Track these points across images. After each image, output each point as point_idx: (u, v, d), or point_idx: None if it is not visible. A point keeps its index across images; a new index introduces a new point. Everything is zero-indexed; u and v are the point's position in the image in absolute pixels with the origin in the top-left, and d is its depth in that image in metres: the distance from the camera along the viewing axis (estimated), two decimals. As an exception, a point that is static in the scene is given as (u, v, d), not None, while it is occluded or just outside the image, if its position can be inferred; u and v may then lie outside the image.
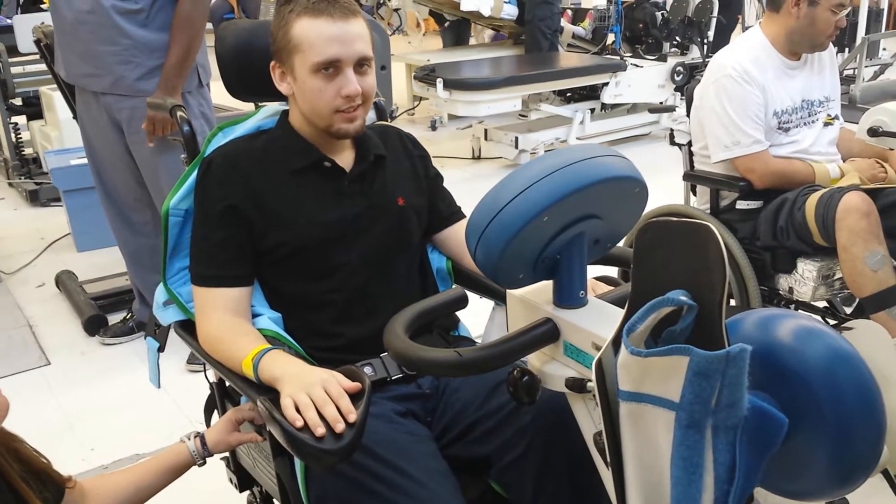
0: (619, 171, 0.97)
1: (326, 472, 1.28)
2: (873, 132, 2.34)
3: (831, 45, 2.49)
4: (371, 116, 1.75)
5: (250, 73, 1.56)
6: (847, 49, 6.47)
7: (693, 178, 2.62)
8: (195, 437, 1.43)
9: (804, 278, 2.31)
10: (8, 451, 1.14)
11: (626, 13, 6.55)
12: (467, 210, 1.07)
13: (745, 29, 6.50)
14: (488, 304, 1.66)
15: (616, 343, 0.85)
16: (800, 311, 2.40)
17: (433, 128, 6.15)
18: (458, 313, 1.63)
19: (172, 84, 2.62)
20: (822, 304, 2.52)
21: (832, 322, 2.40)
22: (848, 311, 2.59)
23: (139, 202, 2.91)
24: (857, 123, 2.41)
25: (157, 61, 2.63)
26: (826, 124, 2.49)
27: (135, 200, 2.91)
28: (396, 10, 7.47)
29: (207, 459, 1.44)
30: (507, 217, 0.93)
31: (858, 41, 6.03)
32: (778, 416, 0.80)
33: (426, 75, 5.27)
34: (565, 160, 0.95)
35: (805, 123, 2.45)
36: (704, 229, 0.79)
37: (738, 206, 2.46)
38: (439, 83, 5.07)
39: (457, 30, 7.77)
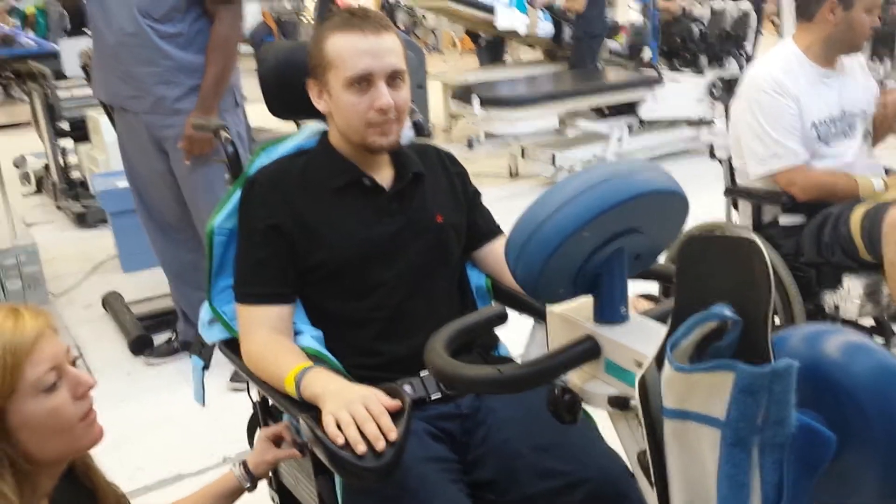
0: (660, 184, 0.96)
1: (366, 491, 1.28)
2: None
3: (860, 54, 2.47)
4: (409, 135, 1.77)
5: (291, 92, 1.59)
6: (889, 59, 6.35)
7: (734, 192, 2.59)
8: (240, 463, 1.46)
9: (850, 295, 2.27)
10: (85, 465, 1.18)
11: (664, 28, 6.53)
12: (505, 228, 1.07)
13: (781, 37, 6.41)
14: (528, 322, 1.65)
15: (659, 359, 0.84)
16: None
17: (470, 146, 6.17)
18: (498, 332, 1.62)
19: (209, 104, 2.68)
20: (869, 321, 2.47)
21: (880, 340, 2.35)
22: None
23: (181, 221, 2.96)
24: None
25: (196, 81, 2.68)
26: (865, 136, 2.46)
27: (176, 220, 2.96)
28: (433, 30, 7.53)
29: (258, 484, 1.46)
30: (547, 232, 0.93)
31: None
32: (826, 434, 0.78)
33: (463, 94, 5.29)
34: (605, 175, 0.94)
35: (845, 135, 2.41)
36: (748, 242, 0.78)
37: (780, 223, 2.42)
38: (475, 101, 5.09)
39: (492, 48, 7.82)
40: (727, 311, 0.79)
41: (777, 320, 2.37)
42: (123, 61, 2.69)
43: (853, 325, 2.38)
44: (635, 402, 0.87)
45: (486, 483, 1.36)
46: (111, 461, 1.12)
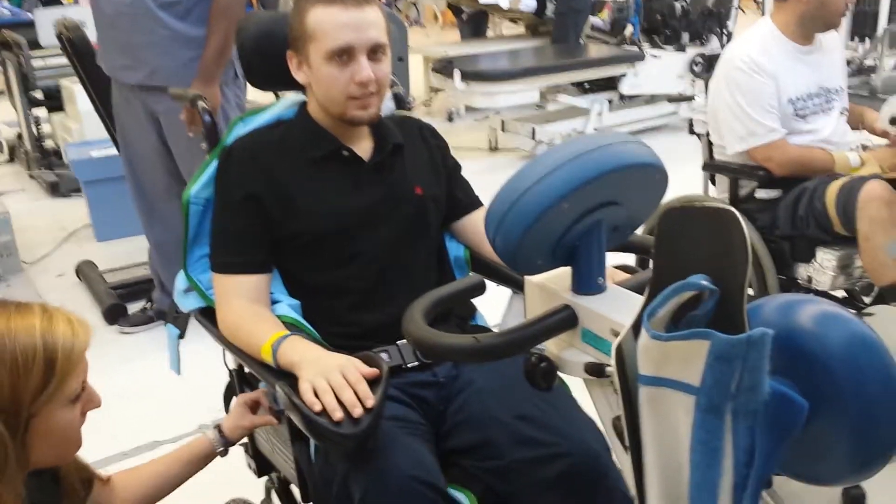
0: (639, 157, 0.96)
1: (344, 457, 1.29)
2: (895, 121, 2.32)
3: (834, 31, 2.48)
4: (390, 106, 1.76)
5: (270, 63, 1.57)
6: (868, 39, 6.39)
7: (712, 167, 2.61)
8: (214, 427, 1.45)
9: (823, 267, 2.30)
10: None
11: (645, 4, 6.51)
12: (485, 201, 1.08)
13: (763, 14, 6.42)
14: (505, 293, 1.66)
15: (636, 328, 0.85)
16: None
17: (450, 119, 6.14)
18: (476, 303, 1.63)
19: (211, 74, 2.62)
20: (841, 293, 2.51)
21: (851, 312, 2.38)
22: (867, 300, 2.57)
23: (169, 193, 2.92)
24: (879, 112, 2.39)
25: (194, 52, 2.63)
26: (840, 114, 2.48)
27: (165, 192, 2.92)
28: (414, 2, 7.47)
29: (230, 449, 1.46)
30: (527, 203, 0.93)
31: (880, 31, 5.96)
32: (798, 401, 0.79)
33: (443, 67, 5.26)
34: (585, 147, 0.94)
35: (822, 111, 2.43)
36: (727, 213, 0.79)
37: (757, 196, 2.45)
38: (457, 75, 5.06)
39: (475, 22, 7.76)
40: (704, 281, 0.80)
41: (751, 292, 2.40)
42: (121, 31, 2.65)
43: (826, 296, 2.41)
44: (612, 369, 0.88)
45: (464, 449, 1.36)
46: (86, 429, 1.11)
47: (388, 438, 1.26)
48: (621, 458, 0.96)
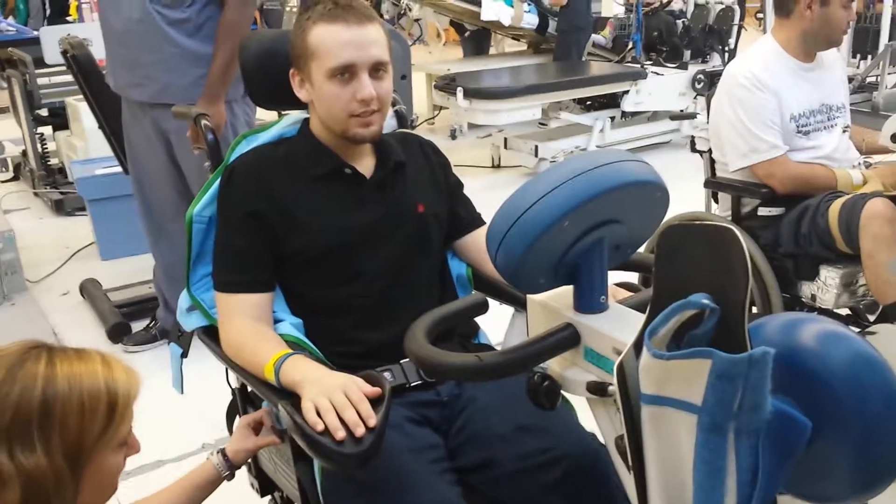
0: (641, 175, 0.97)
1: (346, 477, 1.28)
2: (896, 138, 2.33)
3: (835, 49, 2.49)
4: (392, 124, 1.76)
5: (273, 81, 1.57)
6: (870, 56, 6.41)
7: (714, 185, 2.61)
8: (218, 452, 1.45)
9: (827, 285, 2.29)
10: None
11: (645, 22, 6.54)
12: (487, 218, 1.08)
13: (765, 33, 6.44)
14: (507, 311, 1.66)
15: (638, 346, 0.85)
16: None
17: (453, 137, 6.16)
18: (478, 321, 1.63)
19: (216, 92, 2.61)
20: (844, 311, 2.50)
21: (855, 330, 2.38)
22: (871, 318, 2.57)
23: (177, 212, 2.92)
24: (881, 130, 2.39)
25: (203, 70, 2.63)
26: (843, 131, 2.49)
27: (174, 211, 2.92)
28: (417, 20, 7.50)
29: (236, 472, 1.46)
30: (529, 222, 0.93)
31: (881, 48, 5.97)
32: (801, 420, 0.79)
33: (446, 84, 5.28)
34: (587, 165, 0.95)
35: (824, 128, 2.44)
36: (727, 232, 0.79)
37: (759, 213, 2.45)
38: (459, 92, 5.08)
39: (477, 40, 7.80)
40: (705, 300, 0.80)
41: (755, 309, 2.39)
42: (130, 48, 2.65)
43: (829, 314, 2.41)
44: (614, 387, 0.88)
45: (467, 469, 1.36)
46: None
47: (410, 473, 1.27)
48: (624, 479, 0.96)
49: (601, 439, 1.05)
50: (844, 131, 2.49)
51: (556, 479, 1.29)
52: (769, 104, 2.34)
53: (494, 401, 1.41)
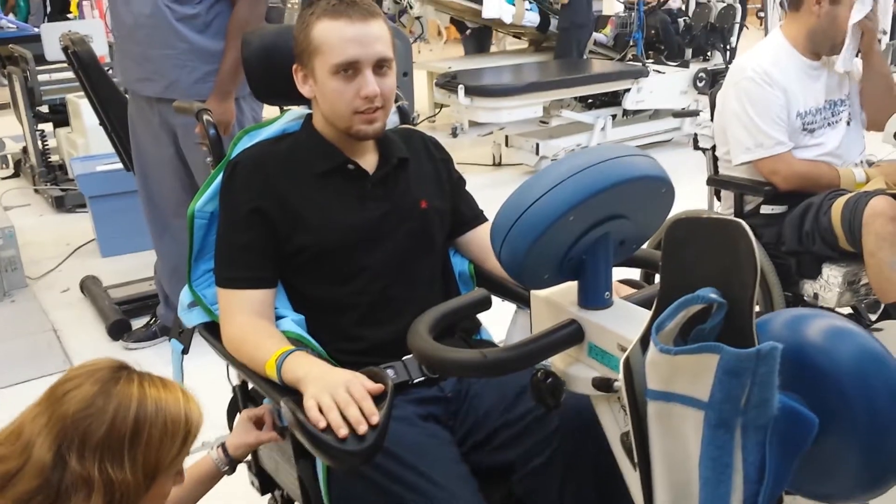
0: (647, 170, 0.96)
1: (349, 474, 1.28)
2: (900, 136, 2.32)
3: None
4: (395, 120, 1.76)
5: (275, 76, 1.57)
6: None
7: (717, 182, 2.60)
8: (218, 446, 1.44)
9: (829, 284, 2.28)
10: None
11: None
12: (488, 216, 1.07)
13: (766, 33, 6.45)
14: (510, 308, 1.65)
15: (644, 342, 0.85)
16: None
17: (454, 135, 6.15)
18: (481, 319, 1.62)
19: (226, 89, 2.62)
20: (847, 310, 2.49)
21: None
22: (873, 317, 2.56)
23: (182, 208, 2.92)
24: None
25: (212, 66, 2.64)
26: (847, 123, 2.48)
27: (178, 206, 2.91)
28: (418, 18, 7.50)
29: (236, 467, 1.46)
30: (533, 217, 0.93)
31: (883, 47, 5.97)
32: (808, 416, 0.78)
33: (447, 82, 5.27)
34: (591, 160, 0.94)
35: (829, 124, 2.43)
36: (735, 225, 0.78)
37: (762, 211, 2.44)
38: (460, 90, 5.08)
39: (478, 37, 7.79)
40: (712, 294, 0.80)
41: (757, 308, 2.38)
42: (139, 43, 2.66)
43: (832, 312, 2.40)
44: (619, 383, 0.87)
45: (468, 451, 1.39)
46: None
47: (425, 455, 1.28)
48: (630, 476, 0.95)
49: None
50: (849, 124, 2.48)
51: (552, 430, 1.32)
52: (777, 100, 2.33)
53: (497, 397, 1.41)
